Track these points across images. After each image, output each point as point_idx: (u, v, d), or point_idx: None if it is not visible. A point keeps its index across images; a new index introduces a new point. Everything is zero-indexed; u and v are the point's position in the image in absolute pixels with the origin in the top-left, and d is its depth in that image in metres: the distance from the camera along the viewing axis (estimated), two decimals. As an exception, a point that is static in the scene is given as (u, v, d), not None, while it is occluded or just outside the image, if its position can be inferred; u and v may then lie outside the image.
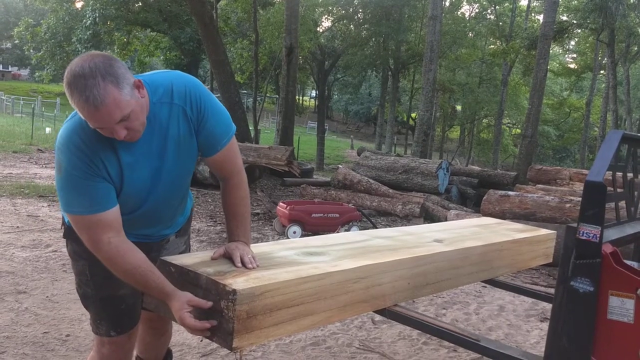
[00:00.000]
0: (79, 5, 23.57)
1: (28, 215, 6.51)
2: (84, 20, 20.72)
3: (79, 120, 1.69)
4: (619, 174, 2.11)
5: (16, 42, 33.45)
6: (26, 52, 31.20)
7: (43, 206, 7.14)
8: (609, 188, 1.73)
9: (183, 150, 1.83)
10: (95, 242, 1.71)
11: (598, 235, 1.63)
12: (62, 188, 1.71)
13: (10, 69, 58.72)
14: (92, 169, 1.67)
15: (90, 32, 20.84)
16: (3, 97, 32.64)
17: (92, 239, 1.71)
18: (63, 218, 1.98)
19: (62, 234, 2.01)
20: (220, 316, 1.55)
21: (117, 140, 1.66)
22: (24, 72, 57.04)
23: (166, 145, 1.80)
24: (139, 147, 1.75)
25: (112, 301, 1.93)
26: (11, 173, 9.82)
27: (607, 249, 1.67)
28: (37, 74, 26.47)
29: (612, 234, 1.86)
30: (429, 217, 8.42)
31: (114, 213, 1.72)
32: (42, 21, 24.46)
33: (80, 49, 21.08)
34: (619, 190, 2.10)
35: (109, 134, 1.63)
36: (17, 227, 5.91)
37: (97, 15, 20.15)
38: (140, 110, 1.65)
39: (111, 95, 1.53)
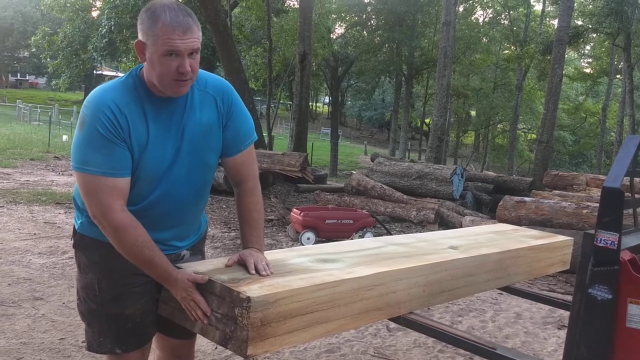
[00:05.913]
0: (95, 14, 23.90)
1: (45, 222, 6.58)
2: (100, 29, 20.98)
3: (116, 83, 1.74)
4: (637, 179, 2.08)
5: (33, 50, 33.96)
6: (43, 61, 31.66)
7: (60, 213, 7.21)
8: (626, 194, 1.71)
9: (208, 139, 1.84)
10: (106, 208, 1.63)
11: (616, 242, 1.60)
12: (81, 144, 1.65)
13: (27, 77, 59.59)
14: (116, 130, 1.64)
15: (106, 40, 21.07)
16: (21, 106, 33.13)
17: (104, 203, 1.63)
18: (74, 227, 1.90)
19: (72, 244, 1.91)
20: (235, 324, 1.55)
21: (149, 108, 1.71)
22: (41, 81, 57.87)
23: (193, 128, 1.80)
24: (167, 121, 1.76)
25: (119, 320, 1.83)
26: (28, 180, 9.93)
27: (626, 256, 1.65)
28: (53, 82, 26.87)
29: (630, 240, 1.83)
30: (443, 223, 8.37)
31: (127, 182, 1.69)
32: (58, 30, 24.84)
33: (96, 56, 21.40)
34: (637, 196, 2.07)
35: (174, 67, 1.64)
36: (35, 234, 5.98)
37: (113, 23, 20.37)
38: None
39: (195, 27, 1.67)
